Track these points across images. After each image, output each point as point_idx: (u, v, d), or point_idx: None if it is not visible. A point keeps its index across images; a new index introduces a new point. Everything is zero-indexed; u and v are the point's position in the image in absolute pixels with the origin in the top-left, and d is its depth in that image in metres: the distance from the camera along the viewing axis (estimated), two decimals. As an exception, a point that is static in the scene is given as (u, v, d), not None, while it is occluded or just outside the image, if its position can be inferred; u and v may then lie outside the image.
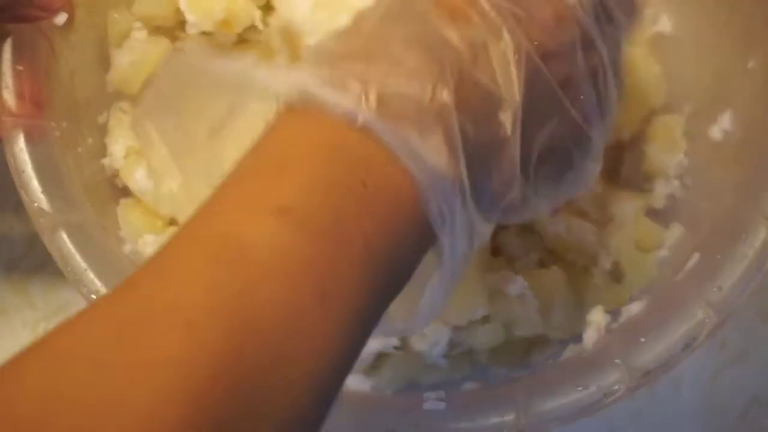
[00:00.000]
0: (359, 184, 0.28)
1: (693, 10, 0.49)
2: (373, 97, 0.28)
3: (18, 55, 0.40)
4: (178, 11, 0.46)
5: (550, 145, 0.33)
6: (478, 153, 0.31)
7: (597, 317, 0.46)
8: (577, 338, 0.45)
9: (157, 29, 0.47)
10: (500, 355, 0.45)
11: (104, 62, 0.47)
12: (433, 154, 0.29)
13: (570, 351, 0.45)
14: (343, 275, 0.26)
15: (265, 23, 0.46)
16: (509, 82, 0.31)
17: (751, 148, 0.44)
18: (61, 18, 0.41)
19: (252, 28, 0.47)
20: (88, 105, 0.46)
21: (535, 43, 0.32)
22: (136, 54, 0.46)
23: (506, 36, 0.31)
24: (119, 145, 0.46)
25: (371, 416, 0.39)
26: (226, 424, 0.23)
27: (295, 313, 0.25)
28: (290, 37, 0.45)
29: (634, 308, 0.44)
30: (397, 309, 0.31)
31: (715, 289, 0.39)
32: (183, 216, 0.43)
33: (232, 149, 0.29)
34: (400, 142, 0.28)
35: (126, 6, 0.47)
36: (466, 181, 0.30)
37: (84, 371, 0.22)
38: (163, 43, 0.46)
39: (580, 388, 0.38)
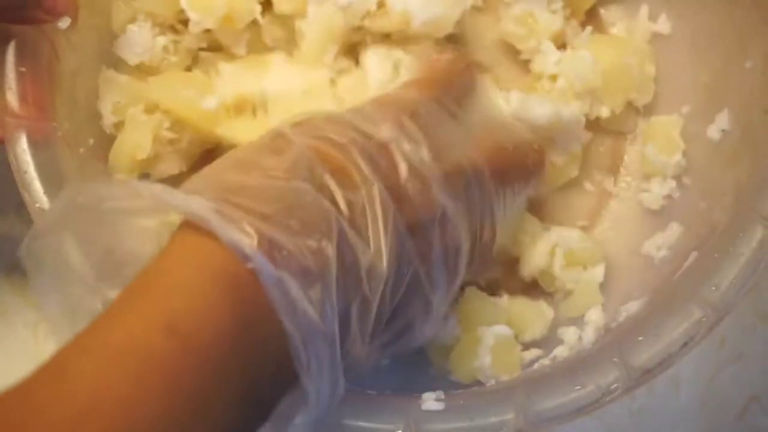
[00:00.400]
0: (242, 325, 0.29)
1: (691, 10, 0.49)
2: (266, 244, 0.30)
3: (21, 57, 0.40)
4: (180, 11, 0.46)
5: (398, 309, 0.36)
6: (349, 315, 0.33)
7: (595, 316, 0.46)
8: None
9: (160, 23, 0.47)
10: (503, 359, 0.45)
11: (106, 63, 0.47)
12: (312, 307, 0.31)
13: (568, 350, 0.45)
14: (212, 404, 0.28)
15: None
16: (379, 251, 0.33)
17: (748, 147, 0.44)
18: (64, 22, 0.41)
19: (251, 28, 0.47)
20: (90, 105, 0.46)
21: (404, 216, 0.35)
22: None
23: (378, 206, 0.34)
24: (106, 102, 0.46)
25: (371, 416, 0.39)
26: None
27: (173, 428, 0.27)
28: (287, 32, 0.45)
29: (633, 307, 0.44)
30: None
31: (712, 288, 0.39)
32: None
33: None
34: (281, 294, 0.30)
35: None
36: (337, 336, 0.32)
37: None
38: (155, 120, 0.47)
39: (578, 387, 0.38)
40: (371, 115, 0.37)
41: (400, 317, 0.37)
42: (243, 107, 0.46)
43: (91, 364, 0.27)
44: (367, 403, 0.41)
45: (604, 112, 0.48)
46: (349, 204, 0.33)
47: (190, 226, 0.31)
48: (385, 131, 0.36)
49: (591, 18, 0.51)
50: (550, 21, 0.48)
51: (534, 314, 0.47)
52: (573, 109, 0.46)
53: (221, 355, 0.28)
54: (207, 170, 0.35)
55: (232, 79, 0.46)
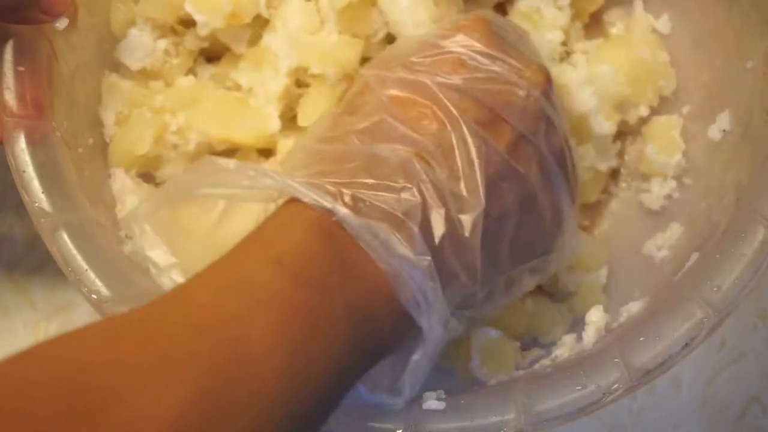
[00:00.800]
0: (341, 262, 0.32)
1: (691, 10, 0.49)
2: (347, 198, 0.33)
3: (19, 57, 0.40)
4: (180, 15, 0.46)
5: (523, 239, 0.36)
6: (443, 250, 0.34)
7: (596, 317, 0.46)
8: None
9: (160, 26, 0.47)
10: (494, 359, 0.45)
11: (105, 63, 0.47)
12: (403, 245, 0.33)
13: (569, 350, 0.45)
14: (325, 329, 0.30)
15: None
16: (474, 186, 0.34)
17: (749, 148, 0.44)
18: (62, 23, 0.41)
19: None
20: (89, 105, 0.46)
21: (500, 141, 0.35)
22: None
23: (469, 139, 0.34)
24: (110, 112, 0.47)
25: (372, 415, 0.39)
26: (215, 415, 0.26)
27: (285, 350, 0.28)
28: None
29: (634, 308, 0.44)
30: (381, 381, 0.36)
31: (714, 289, 0.39)
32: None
33: (231, 241, 0.33)
34: (371, 235, 0.32)
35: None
36: (434, 270, 0.33)
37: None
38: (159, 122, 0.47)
39: (579, 388, 0.38)
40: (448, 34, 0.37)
41: (526, 246, 0.37)
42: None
43: (206, 294, 0.29)
44: (367, 403, 0.41)
45: (643, 111, 0.49)
46: (435, 146, 0.34)
47: (287, 201, 0.34)
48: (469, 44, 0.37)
49: (592, 21, 0.51)
50: (557, 17, 0.48)
51: (556, 316, 0.47)
52: (611, 124, 0.47)
53: (326, 284, 0.31)
54: (299, 142, 0.38)
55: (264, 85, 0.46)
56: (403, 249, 0.32)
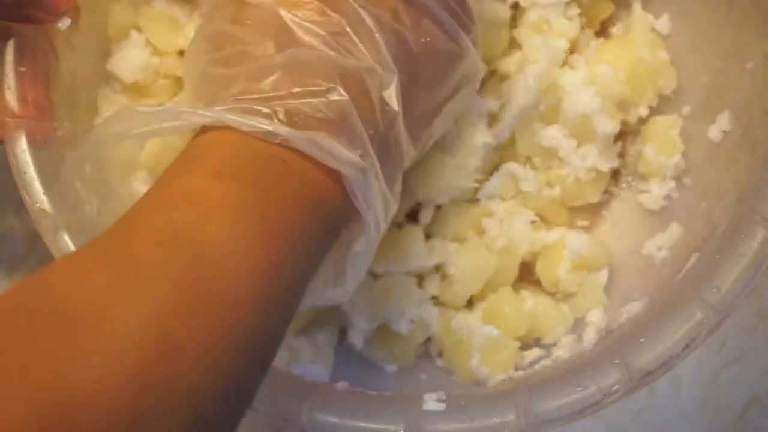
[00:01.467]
0: (281, 161, 0.32)
1: (691, 10, 0.49)
2: (282, 116, 0.32)
3: (20, 57, 0.40)
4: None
5: (432, 85, 0.37)
6: (378, 136, 0.34)
7: (597, 318, 0.46)
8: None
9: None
10: (494, 359, 0.45)
11: (106, 62, 0.47)
12: (346, 150, 0.33)
13: (569, 351, 0.45)
14: (276, 218, 0.31)
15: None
16: (382, 58, 0.34)
17: (749, 148, 0.44)
18: (64, 23, 0.41)
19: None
20: (90, 106, 0.46)
21: (387, 12, 0.35)
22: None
23: (365, 17, 0.34)
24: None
25: (372, 417, 0.39)
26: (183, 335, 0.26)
27: (242, 245, 0.29)
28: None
29: (634, 308, 0.44)
30: (325, 279, 0.36)
31: (714, 290, 0.39)
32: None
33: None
34: (318, 150, 0.32)
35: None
36: (377, 165, 0.34)
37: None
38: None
39: (579, 389, 0.38)
40: None
41: (436, 88, 0.38)
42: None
43: (155, 212, 0.30)
44: (368, 404, 0.41)
45: (643, 111, 0.49)
46: (337, 35, 0.34)
47: (208, 128, 0.33)
48: None
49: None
50: (567, 27, 0.48)
51: (557, 316, 0.47)
52: (614, 123, 0.47)
53: (271, 182, 0.31)
54: (194, 76, 0.37)
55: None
56: (346, 153, 0.33)
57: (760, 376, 0.53)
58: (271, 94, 0.33)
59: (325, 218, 0.33)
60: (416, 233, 0.46)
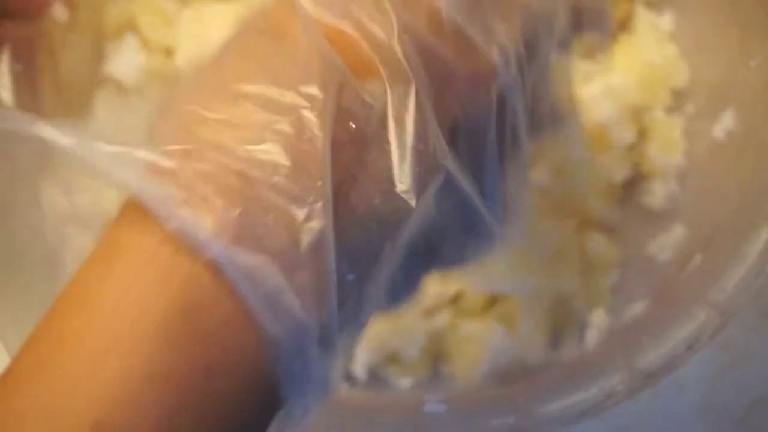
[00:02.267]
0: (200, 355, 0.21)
1: (694, 8, 0.49)
2: (233, 221, 0.21)
3: (16, 55, 0.40)
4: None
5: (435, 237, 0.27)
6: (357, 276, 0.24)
7: (599, 318, 0.45)
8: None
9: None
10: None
11: (101, 63, 0.47)
12: (298, 297, 0.22)
13: (571, 352, 0.45)
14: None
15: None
16: (407, 186, 0.23)
17: (753, 147, 0.44)
18: (60, 12, 0.41)
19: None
20: (88, 105, 0.46)
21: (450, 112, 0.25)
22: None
23: (409, 118, 0.23)
24: None
25: (372, 419, 0.39)
26: None
27: None
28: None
29: (636, 309, 0.44)
30: None
31: (717, 290, 0.39)
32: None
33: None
34: (253, 289, 0.21)
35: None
36: (334, 324, 0.23)
37: None
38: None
39: (581, 390, 0.38)
40: None
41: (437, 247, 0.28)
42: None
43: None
44: (368, 405, 0.41)
45: (658, 114, 0.48)
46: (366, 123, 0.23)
47: (134, 207, 0.22)
48: None
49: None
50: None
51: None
52: (630, 133, 0.47)
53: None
54: (186, 87, 0.25)
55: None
56: (296, 305, 0.22)
57: (765, 377, 0.53)
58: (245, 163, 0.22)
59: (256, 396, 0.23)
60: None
